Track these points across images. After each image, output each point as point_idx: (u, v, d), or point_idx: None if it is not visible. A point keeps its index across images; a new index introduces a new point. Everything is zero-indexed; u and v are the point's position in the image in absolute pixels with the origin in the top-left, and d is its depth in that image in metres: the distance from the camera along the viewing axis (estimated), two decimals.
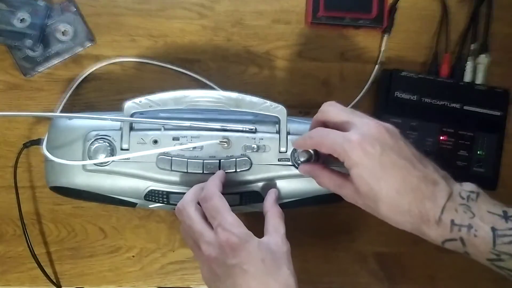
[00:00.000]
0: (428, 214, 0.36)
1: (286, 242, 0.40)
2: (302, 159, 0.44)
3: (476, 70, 0.54)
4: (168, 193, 0.45)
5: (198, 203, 0.41)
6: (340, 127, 0.39)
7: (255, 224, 0.54)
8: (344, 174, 0.40)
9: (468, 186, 0.37)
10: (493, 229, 0.35)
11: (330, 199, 0.46)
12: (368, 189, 0.37)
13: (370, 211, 0.39)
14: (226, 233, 0.37)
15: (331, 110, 0.41)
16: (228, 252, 0.37)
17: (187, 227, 0.40)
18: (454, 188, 0.37)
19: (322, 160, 0.44)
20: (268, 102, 0.45)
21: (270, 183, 0.45)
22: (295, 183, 0.46)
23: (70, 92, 0.53)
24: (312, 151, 0.43)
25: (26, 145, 0.50)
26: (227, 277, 0.37)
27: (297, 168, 0.45)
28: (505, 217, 0.36)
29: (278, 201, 0.43)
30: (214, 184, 0.41)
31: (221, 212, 0.39)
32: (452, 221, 0.36)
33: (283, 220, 0.41)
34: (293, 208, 0.46)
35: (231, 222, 0.38)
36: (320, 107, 0.54)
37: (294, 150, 0.45)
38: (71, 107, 0.53)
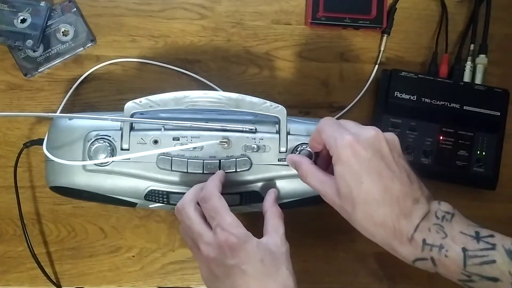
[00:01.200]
0: (402, 230, 0.35)
1: (285, 242, 0.40)
2: None
3: (475, 70, 0.54)
4: (168, 193, 0.45)
5: (198, 204, 0.41)
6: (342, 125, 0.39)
7: (255, 224, 0.54)
8: (329, 174, 0.39)
9: (445, 207, 0.37)
10: (464, 250, 0.34)
11: None
12: (347, 191, 0.36)
13: (345, 216, 0.38)
14: (225, 233, 0.37)
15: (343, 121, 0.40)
16: (227, 253, 0.37)
17: (186, 227, 0.40)
18: (432, 208, 0.36)
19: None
20: (268, 102, 0.45)
21: (270, 183, 0.45)
22: (295, 183, 0.46)
23: (71, 92, 0.53)
24: (312, 153, 0.43)
25: (26, 145, 0.50)
26: (226, 277, 0.37)
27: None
28: (477, 237, 0.35)
29: (278, 201, 0.44)
30: (213, 184, 0.41)
31: (220, 212, 0.39)
32: (424, 241, 0.35)
33: (283, 220, 0.41)
34: (293, 208, 0.46)
35: (229, 223, 0.38)
36: (319, 107, 0.55)
37: (295, 150, 0.45)
38: (72, 107, 0.53)
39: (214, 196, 0.40)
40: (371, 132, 0.37)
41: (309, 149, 0.43)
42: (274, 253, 0.38)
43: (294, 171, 0.44)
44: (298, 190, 0.46)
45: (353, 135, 0.36)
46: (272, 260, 0.38)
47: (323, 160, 0.42)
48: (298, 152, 0.44)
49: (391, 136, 0.38)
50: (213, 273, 0.38)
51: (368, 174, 0.35)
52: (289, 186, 0.46)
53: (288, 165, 0.45)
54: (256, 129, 0.45)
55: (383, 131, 0.39)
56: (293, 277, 0.38)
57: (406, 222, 0.35)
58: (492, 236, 0.35)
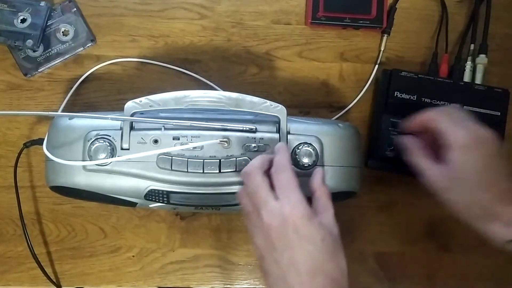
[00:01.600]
0: (503, 215, 0.40)
1: (336, 223, 0.40)
2: (303, 159, 0.44)
3: (475, 70, 0.54)
4: (169, 192, 0.45)
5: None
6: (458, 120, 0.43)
7: None
8: (434, 158, 0.43)
9: None
10: None
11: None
12: (461, 175, 0.41)
13: (446, 195, 0.42)
14: (292, 207, 0.37)
15: (454, 106, 0.46)
16: (290, 226, 0.37)
17: (251, 191, 0.40)
18: None
19: (323, 160, 0.44)
20: (268, 102, 0.45)
21: None
22: None
23: (71, 92, 0.53)
24: (314, 150, 0.43)
25: (26, 145, 0.50)
26: (285, 249, 0.37)
27: (297, 167, 0.45)
28: None
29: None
30: (286, 157, 0.41)
31: (291, 186, 0.39)
32: None
33: (331, 200, 0.41)
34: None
35: (298, 198, 0.38)
36: (319, 107, 0.55)
37: (295, 150, 0.45)
38: (72, 107, 0.53)
39: (288, 169, 0.40)
40: (490, 133, 0.42)
41: (308, 148, 0.43)
42: (332, 234, 0.39)
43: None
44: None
45: (475, 131, 0.41)
46: (331, 241, 0.38)
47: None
48: (298, 150, 0.44)
49: (501, 141, 0.44)
50: (271, 243, 0.38)
51: (483, 166, 0.41)
52: None
53: None
54: (256, 128, 0.45)
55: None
56: (346, 260, 0.39)
57: (507, 209, 0.41)
58: None
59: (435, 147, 0.44)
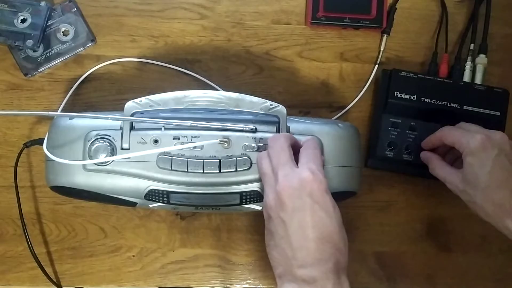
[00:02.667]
0: None
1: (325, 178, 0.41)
2: None
3: (475, 70, 0.54)
4: (169, 192, 0.45)
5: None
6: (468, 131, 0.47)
7: (256, 223, 0.54)
8: (452, 166, 0.48)
9: None
10: None
11: None
12: (474, 178, 0.44)
13: (465, 198, 0.45)
14: (312, 173, 0.39)
15: (466, 123, 0.48)
16: (307, 189, 0.38)
17: (273, 153, 0.41)
18: None
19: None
20: (268, 102, 0.45)
21: None
22: None
23: (71, 92, 0.53)
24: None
25: (26, 145, 0.50)
26: (296, 210, 0.38)
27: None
28: None
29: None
30: (316, 141, 0.44)
31: (317, 160, 0.41)
32: None
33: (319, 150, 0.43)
34: None
35: (320, 169, 0.40)
36: (319, 107, 0.55)
37: None
38: (72, 107, 0.53)
39: (318, 149, 0.42)
40: (499, 134, 0.45)
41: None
42: (339, 212, 0.40)
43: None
44: None
45: (484, 135, 0.44)
46: (339, 214, 0.40)
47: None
48: None
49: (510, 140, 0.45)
50: (282, 203, 0.38)
51: (493, 166, 0.43)
52: None
53: None
54: (256, 128, 0.45)
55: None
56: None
57: None
58: None
59: (454, 156, 0.50)
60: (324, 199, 0.39)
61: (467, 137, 0.45)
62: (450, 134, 0.47)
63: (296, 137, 0.44)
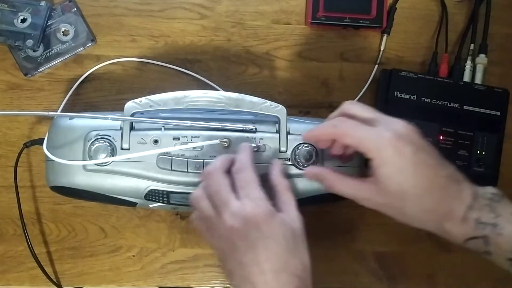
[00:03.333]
0: (454, 212, 0.37)
1: (299, 217, 0.39)
2: (302, 159, 0.44)
3: (475, 70, 0.54)
4: (169, 192, 0.45)
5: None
6: (365, 123, 0.39)
7: None
8: (358, 176, 0.40)
9: (491, 189, 0.38)
10: None
11: (330, 199, 0.46)
12: (397, 189, 0.37)
13: (391, 212, 0.39)
14: (253, 206, 0.37)
15: (355, 106, 0.40)
16: (253, 225, 0.37)
17: (212, 192, 0.39)
18: (477, 189, 0.38)
19: (323, 159, 0.43)
20: (268, 102, 0.45)
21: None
22: (295, 183, 0.46)
23: (71, 92, 0.53)
24: (314, 150, 0.43)
25: (26, 145, 0.50)
26: (247, 250, 0.37)
27: (297, 167, 0.45)
28: None
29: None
30: (248, 156, 0.41)
31: (252, 185, 0.38)
32: (477, 219, 0.36)
33: (292, 192, 0.41)
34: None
35: (259, 196, 0.38)
36: (319, 107, 0.55)
37: (295, 150, 0.45)
38: (72, 107, 0.53)
39: (249, 168, 0.39)
40: (403, 125, 0.38)
41: (308, 148, 0.43)
42: (294, 230, 0.38)
43: (294, 171, 0.44)
44: (298, 190, 0.46)
45: (392, 133, 0.37)
46: (292, 237, 0.38)
47: (334, 154, 0.43)
48: (298, 150, 0.44)
49: (414, 126, 0.39)
50: (233, 244, 0.37)
51: (414, 168, 0.37)
52: None
53: (288, 165, 0.45)
54: (256, 128, 0.45)
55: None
56: (309, 255, 0.38)
57: (457, 203, 0.37)
58: None
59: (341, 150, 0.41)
60: (271, 229, 0.37)
61: (373, 140, 0.37)
62: (349, 134, 0.38)
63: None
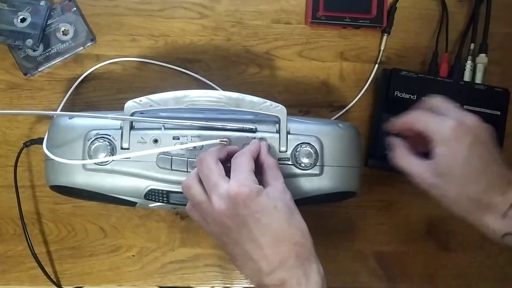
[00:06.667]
0: (497, 206, 0.39)
1: (287, 190, 0.40)
2: (302, 159, 0.44)
3: (476, 70, 0.54)
4: (168, 192, 0.45)
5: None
6: (439, 113, 0.42)
7: None
8: (419, 156, 0.42)
9: None
10: None
11: (330, 199, 0.46)
12: (447, 169, 0.39)
13: (436, 192, 0.41)
14: (238, 185, 0.37)
15: (434, 99, 0.43)
16: (240, 204, 0.37)
17: (203, 176, 0.39)
18: None
19: (323, 160, 0.44)
20: (268, 102, 0.45)
21: None
22: (295, 183, 0.46)
23: (71, 91, 0.53)
24: (314, 150, 0.43)
25: (26, 144, 0.50)
26: (240, 229, 0.38)
27: (297, 167, 0.45)
28: None
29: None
30: (254, 147, 0.42)
31: (242, 168, 0.39)
32: None
33: (279, 169, 0.41)
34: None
35: (246, 177, 0.38)
36: (320, 106, 0.55)
37: (295, 150, 0.45)
38: (72, 106, 0.53)
39: (245, 154, 0.40)
40: (472, 118, 0.40)
41: (308, 148, 0.43)
42: (284, 201, 0.39)
43: (294, 171, 0.44)
44: (298, 190, 0.46)
45: (456, 121, 0.40)
46: (284, 207, 0.38)
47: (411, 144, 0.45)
48: (297, 152, 0.44)
49: (490, 126, 0.41)
50: (226, 226, 0.38)
51: (468, 156, 0.39)
52: (289, 186, 0.45)
53: (288, 165, 0.45)
54: (256, 128, 0.45)
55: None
56: (304, 222, 0.39)
57: (501, 199, 0.39)
58: None
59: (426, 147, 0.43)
60: (260, 204, 0.37)
61: (437, 123, 0.40)
62: (418, 120, 0.42)
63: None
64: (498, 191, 0.39)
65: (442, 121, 0.40)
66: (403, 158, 0.43)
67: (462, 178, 0.39)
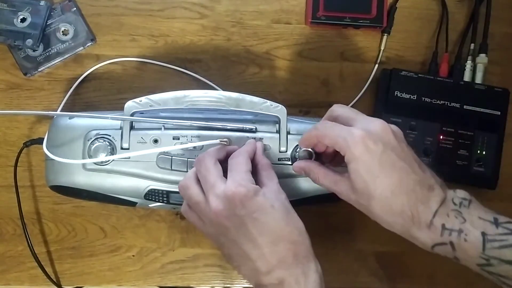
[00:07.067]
0: (420, 217, 0.36)
1: (282, 190, 0.40)
2: (302, 159, 0.44)
3: (476, 70, 0.54)
4: (168, 192, 0.45)
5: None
6: (346, 123, 0.39)
7: None
8: (339, 172, 0.40)
9: (461, 193, 0.38)
10: (483, 234, 0.35)
11: (330, 199, 0.46)
12: (363, 186, 0.37)
13: (362, 209, 0.39)
14: (235, 186, 0.37)
15: (339, 108, 0.41)
16: (237, 204, 0.37)
17: (201, 177, 0.40)
18: (448, 194, 0.37)
19: (321, 161, 0.44)
20: (268, 102, 0.45)
21: None
22: (295, 183, 0.46)
23: (71, 91, 0.53)
24: (312, 152, 0.43)
25: (26, 144, 0.50)
26: (238, 229, 0.38)
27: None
28: (496, 223, 0.36)
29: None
30: (249, 148, 0.42)
31: (239, 168, 0.39)
32: (443, 226, 0.36)
33: (273, 169, 0.42)
34: (293, 207, 0.46)
35: (242, 177, 0.38)
36: (320, 106, 0.55)
37: (294, 150, 0.45)
38: (72, 106, 0.53)
39: (242, 154, 0.41)
40: (378, 125, 0.38)
41: (308, 149, 0.43)
42: (280, 200, 0.39)
43: (293, 171, 0.44)
44: (298, 190, 0.46)
45: (362, 130, 0.37)
46: (281, 207, 0.38)
47: (327, 157, 0.43)
48: (297, 153, 0.44)
49: (396, 127, 0.39)
50: (223, 227, 0.38)
51: (382, 167, 0.36)
52: (289, 186, 0.45)
53: (288, 165, 0.45)
54: (256, 128, 0.45)
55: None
56: (301, 221, 0.39)
57: (424, 208, 0.36)
58: (510, 222, 0.36)
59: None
60: (256, 204, 0.37)
61: (344, 138, 0.37)
62: (325, 135, 0.39)
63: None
64: (420, 200, 0.36)
65: (350, 134, 0.37)
66: (323, 177, 0.40)
67: (380, 192, 0.36)
